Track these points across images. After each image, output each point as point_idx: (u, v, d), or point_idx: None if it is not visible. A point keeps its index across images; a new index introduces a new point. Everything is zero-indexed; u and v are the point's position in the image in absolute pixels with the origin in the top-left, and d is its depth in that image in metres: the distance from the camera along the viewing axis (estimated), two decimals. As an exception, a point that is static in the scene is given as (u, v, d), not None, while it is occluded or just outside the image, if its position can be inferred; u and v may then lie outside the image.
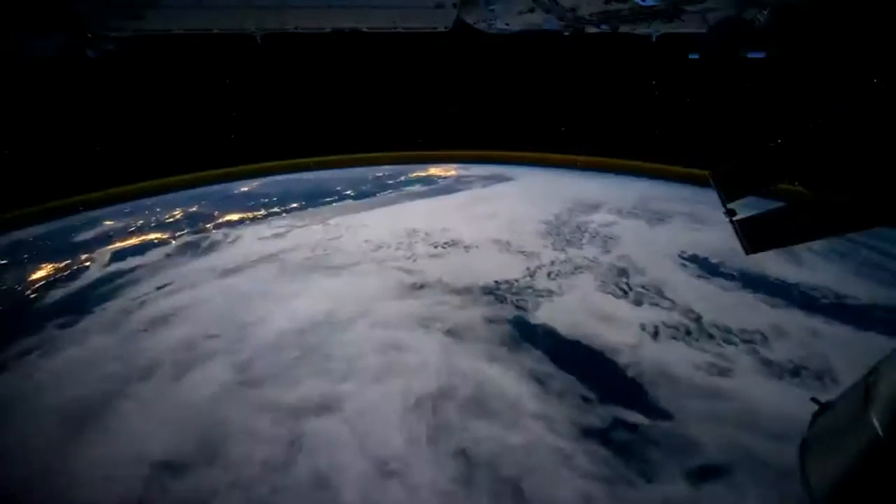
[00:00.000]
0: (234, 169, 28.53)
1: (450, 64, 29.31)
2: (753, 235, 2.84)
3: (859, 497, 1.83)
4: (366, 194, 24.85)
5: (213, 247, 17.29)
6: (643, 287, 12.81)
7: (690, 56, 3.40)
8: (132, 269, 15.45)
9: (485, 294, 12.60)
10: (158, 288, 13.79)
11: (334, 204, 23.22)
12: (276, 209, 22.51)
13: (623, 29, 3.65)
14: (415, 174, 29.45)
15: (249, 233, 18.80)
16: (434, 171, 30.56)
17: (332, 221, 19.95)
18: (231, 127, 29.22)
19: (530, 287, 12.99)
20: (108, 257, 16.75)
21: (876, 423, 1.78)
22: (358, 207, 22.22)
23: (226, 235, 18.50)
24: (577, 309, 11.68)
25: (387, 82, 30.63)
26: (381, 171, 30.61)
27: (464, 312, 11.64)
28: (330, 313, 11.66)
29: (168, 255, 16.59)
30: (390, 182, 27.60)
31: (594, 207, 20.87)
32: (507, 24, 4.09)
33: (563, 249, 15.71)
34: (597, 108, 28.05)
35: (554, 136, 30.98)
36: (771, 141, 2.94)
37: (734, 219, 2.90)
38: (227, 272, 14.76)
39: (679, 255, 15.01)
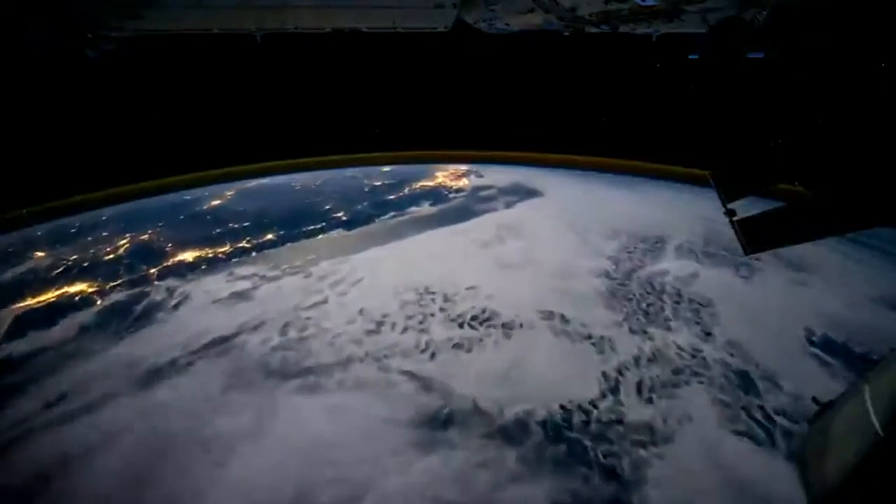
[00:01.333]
0: (217, 171, 26.27)
1: (453, 60, 27.04)
2: (753, 235, 2.85)
3: (859, 496, 1.82)
4: (361, 219, 20.42)
5: (147, 315, 13.06)
6: (787, 417, 8.47)
7: (690, 56, 3.41)
8: (25, 359, 11.12)
9: (550, 439, 8.12)
10: (46, 406, 9.45)
11: (321, 236, 18.84)
12: (244, 242, 18.26)
13: (623, 29, 3.65)
14: (420, 184, 24.78)
15: (202, 290, 14.36)
16: (442, 177, 26.15)
17: (314, 269, 15.43)
18: (219, 126, 26.58)
19: (618, 420, 8.51)
20: (6, 324, 12.73)
21: (876, 422, 1.78)
22: (350, 245, 17.68)
23: (170, 293, 14.20)
24: (705, 475, 7.35)
25: (389, 79, 28.39)
26: (380, 176, 26.13)
27: (523, 490, 7.21)
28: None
29: (84, 330, 12.40)
30: (391, 198, 22.60)
31: (659, 244, 16.43)
32: (507, 24, 4.10)
33: (643, 331, 11.30)
34: (615, 107, 25.86)
35: (572, 134, 28.00)
36: (771, 141, 2.94)
37: (734, 219, 2.91)
38: (151, 377, 10.31)
39: (809, 341, 10.79)
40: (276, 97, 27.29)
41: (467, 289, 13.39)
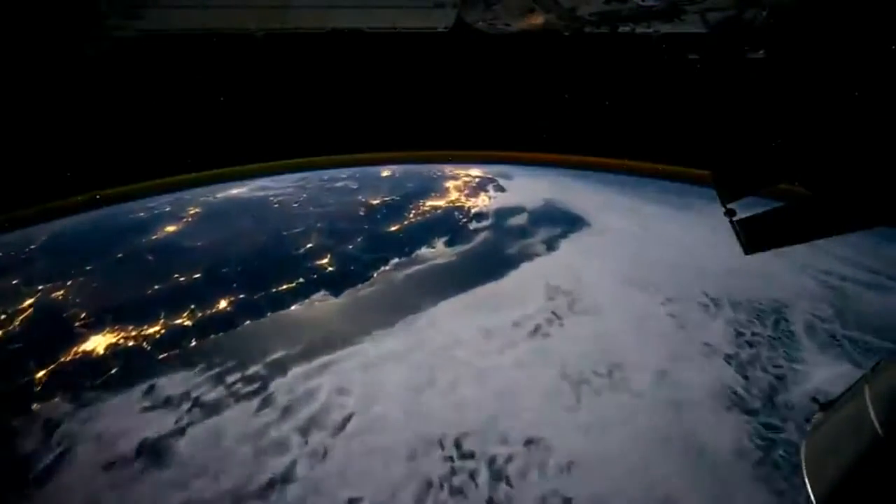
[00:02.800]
0: (189, 176, 23.65)
1: (453, 60, 25.98)
2: (753, 235, 2.86)
3: (859, 497, 1.83)
4: (352, 270, 14.96)
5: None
6: None
7: (690, 56, 3.41)
8: None
9: None
10: None
11: (294, 306, 13.58)
12: (184, 316, 12.97)
13: (623, 29, 3.66)
14: (429, 203, 19.99)
15: (94, 433, 8.91)
16: (455, 190, 21.64)
17: (278, 386, 10.25)
18: (201, 125, 24.21)
19: None
20: None
21: (876, 423, 1.78)
22: (336, 327, 12.69)
23: (46, 435, 8.73)
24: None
25: (389, 79, 27.15)
26: (379, 187, 21.64)
27: None
28: None
29: None
30: (393, 228, 17.21)
31: (780, 322, 11.94)
32: (508, 25, 4.10)
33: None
34: (615, 107, 24.44)
35: (571, 134, 26.00)
36: (771, 141, 2.94)
37: (734, 219, 2.91)
38: None
39: None
40: (272, 96, 26.23)
41: (526, 444, 8.31)
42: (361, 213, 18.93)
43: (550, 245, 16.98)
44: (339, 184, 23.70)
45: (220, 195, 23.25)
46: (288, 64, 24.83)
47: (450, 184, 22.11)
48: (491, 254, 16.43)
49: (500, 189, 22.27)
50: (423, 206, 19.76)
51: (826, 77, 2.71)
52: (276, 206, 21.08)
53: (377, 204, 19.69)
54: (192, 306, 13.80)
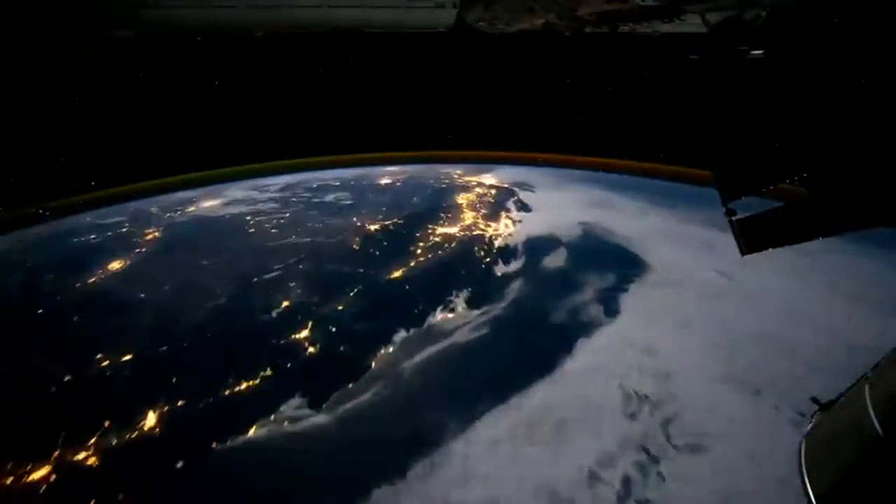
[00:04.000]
0: (170, 180, 20.93)
1: (454, 60, 25.44)
2: (752, 235, 2.86)
3: (859, 496, 1.83)
4: (342, 357, 10.09)
5: None
6: None
7: (690, 56, 3.41)
8: None
9: None
10: None
11: (254, 431, 8.86)
12: None
13: (623, 29, 3.66)
14: (441, 231, 14.82)
15: None
16: (470, 211, 16.60)
17: None
18: (181, 127, 21.51)
19: None
20: None
21: (876, 423, 1.78)
22: (321, 496, 7.75)
23: None
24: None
25: (388, 78, 24.87)
26: (378, 203, 16.94)
27: None
28: None
29: None
30: (394, 275, 12.54)
31: None
32: (508, 25, 4.10)
33: None
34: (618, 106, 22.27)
35: (572, 134, 23.54)
36: (771, 141, 2.94)
37: (734, 218, 2.90)
38: None
39: None
40: (263, 96, 23.58)
41: None
42: (355, 247, 13.90)
43: (608, 305, 12.12)
44: (330, 196, 18.33)
45: (190, 210, 18.84)
46: (288, 64, 24.52)
47: (462, 198, 17.28)
48: (531, 322, 11.38)
49: (523, 207, 17.58)
50: (433, 234, 14.96)
51: (826, 77, 2.71)
52: (251, 230, 16.21)
53: (375, 231, 14.72)
54: (107, 424, 8.76)
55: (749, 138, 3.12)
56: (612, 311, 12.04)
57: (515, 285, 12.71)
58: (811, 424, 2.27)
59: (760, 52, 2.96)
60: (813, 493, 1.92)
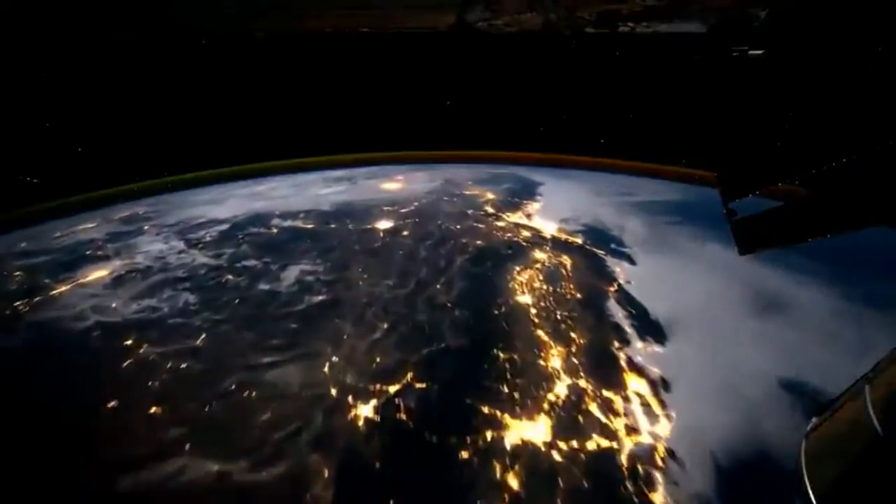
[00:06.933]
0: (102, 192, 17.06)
1: (454, 60, 25.30)
2: (750, 236, 2.85)
3: (859, 496, 1.83)
4: None
5: None
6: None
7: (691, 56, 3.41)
8: None
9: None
10: None
11: None
12: None
13: (623, 29, 3.65)
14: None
15: None
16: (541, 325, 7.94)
17: None
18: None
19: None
20: None
21: (876, 423, 1.77)
22: None
23: None
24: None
25: (389, 79, 24.45)
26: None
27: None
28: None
29: None
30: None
31: None
32: (508, 25, 4.09)
33: None
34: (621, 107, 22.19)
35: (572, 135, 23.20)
36: (771, 140, 2.94)
37: (733, 218, 2.90)
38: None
39: None
40: (266, 96, 22.64)
41: None
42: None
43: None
44: (305, 271, 10.53)
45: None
46: (288, 63, 23.97)
47: (521, 284, 9.13)
48: None
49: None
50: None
51: (825, 77, 2.70)
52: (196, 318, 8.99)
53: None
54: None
55: (749, 138, 3.11)
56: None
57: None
58: (811, 424, 2.27)
59: (760, 52, 2.96)
60: (813, 493, 1.92)
